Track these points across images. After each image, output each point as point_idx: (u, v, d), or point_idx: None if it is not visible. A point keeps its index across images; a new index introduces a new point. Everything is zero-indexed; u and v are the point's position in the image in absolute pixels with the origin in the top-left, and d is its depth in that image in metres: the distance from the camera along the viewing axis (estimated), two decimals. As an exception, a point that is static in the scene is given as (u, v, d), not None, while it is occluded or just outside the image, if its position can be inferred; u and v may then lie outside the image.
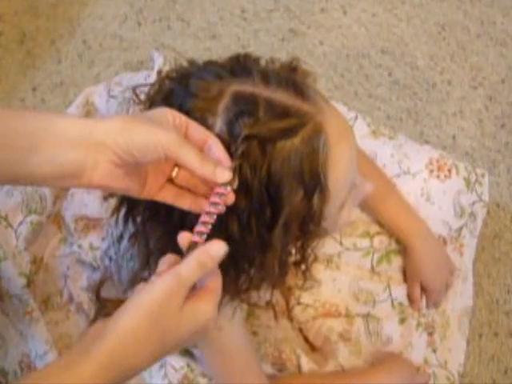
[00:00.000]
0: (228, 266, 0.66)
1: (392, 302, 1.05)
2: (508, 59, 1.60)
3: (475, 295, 1.23)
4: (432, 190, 1.07)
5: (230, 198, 0.61)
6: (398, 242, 1.07)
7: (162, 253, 0.62)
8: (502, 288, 1.35)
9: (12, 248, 0.95)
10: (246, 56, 0.70)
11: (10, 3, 1.59)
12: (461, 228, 1.10)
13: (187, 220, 0.65)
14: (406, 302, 1.06)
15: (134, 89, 0.75)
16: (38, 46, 1.56)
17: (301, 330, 1.04)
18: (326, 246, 1.04)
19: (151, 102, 0.71)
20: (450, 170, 1.08)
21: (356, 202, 0.79)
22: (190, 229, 0.61)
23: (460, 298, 1.11)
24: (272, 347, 0.99)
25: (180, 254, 0.61)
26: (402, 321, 1.04)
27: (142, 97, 0.74)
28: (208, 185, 0.62)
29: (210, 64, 0.70)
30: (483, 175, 1.12)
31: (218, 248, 0.59)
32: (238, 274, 0.71)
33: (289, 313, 1.02)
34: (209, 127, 0.64)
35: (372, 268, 1.06)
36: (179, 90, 0.68)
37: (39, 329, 0.92)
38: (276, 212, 0.65)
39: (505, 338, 1.32)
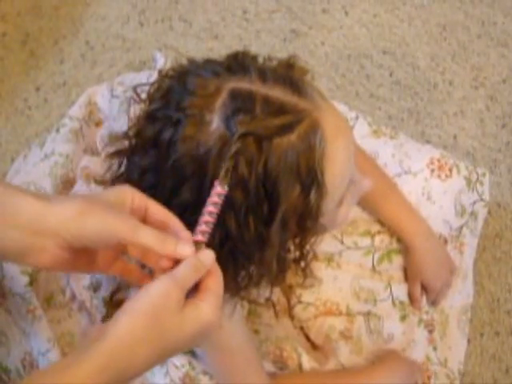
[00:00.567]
0: (227, 263, 0.66)
1: (393, 300, 1.06)
2: (509, 59, 1.60)
3: (476, 294, 1.23)
4: (433, 189, 1.08)
5: None
6: (399, 240, 1.07)
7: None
8: (503, 287, 1.36)
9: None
10: (244, 53, 0.70)
11: (12, 4, 1.60)
12: (461, 227, 1.10)
13: (185, 219, 0.66)
14: (406, 300, 1.07)
15: (134, 88, 0.76)
16: (41, 46, 1.56)
17: (302, 329, 1.04)
18: (327, 245, 1.04)
19: (150, 101, 0.71)
20: (450, 170, 1.08)
21: (355, 198, 0.80)
22: (189, 229, 0.62)
23: (459, 296, 1.11)
24: (273, 345, 0.99)
25: None
26: (403, 318, 1.04)
27: (143, 96, 0.74)
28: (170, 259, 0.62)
29: (207, 62, 0.70)
30: (484, 174, 1.12)
31: (208, 254, 0.61)
32: (236, 271, 0.71)
33: (290, 311, 1.02)
34: (206, 124, 0.64)
35: (373, 267, 1.07)
36: (177, 88, 0.68)
37: (41, 326, 0.92)
38: (273, 208, 0.66)
39: (506, 337, 1.32)
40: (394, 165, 1.09)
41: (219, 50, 1.57)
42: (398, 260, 1.08)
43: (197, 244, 0.62)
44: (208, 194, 0.63)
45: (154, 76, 1.04)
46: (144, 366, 0.58)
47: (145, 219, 0.63)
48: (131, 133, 0.73)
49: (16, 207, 0.59)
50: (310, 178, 0.66)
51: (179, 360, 0.92)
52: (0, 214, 0.59)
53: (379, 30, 1.62)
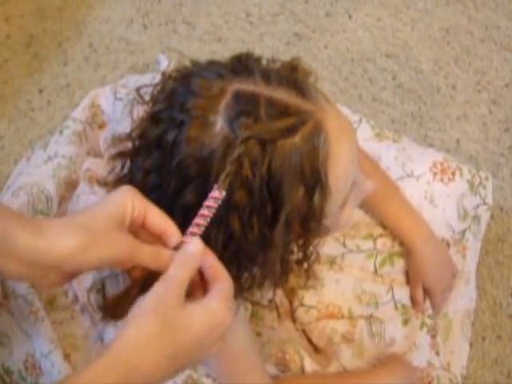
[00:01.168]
0: (230, 264, 0.66)
1: (395, 303, 1.05)
2: (512, 63, 1.60)
3: (479, 298, 1.23)
4: (436, 192, 1.07)
5: None
6: (401, 244, 1.07)
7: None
8: (506, 291, 1.35)
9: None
10: (248, 55, 0.71)
11: (17, 6, 1.60)
12: (464, 231, 1.10)
13: (188, 220, 0.66)
14: (409, 303, 1.06)
15: (137, 89, 0.76)
16: (45, 48, 1.56)
17: (304, 332, 1.04)
18: (330, 248, 1.04)
19: (154, 102, 0.72)
20: (453, 173, 1.08)
21: (358, 200, 0.80)
22: None
23: (462, 300, 1.11)
24: (276, 348, 0.99)
25: None
26: (406, 322, 1.04)
27: (147, 98, 0.74)
28: None
29: (211, 63, 0.71)
30: (487, 178, 1.12)
31: (194, 244, 0.62)
32: (240, 272, 0.72)
33: (292, 314, 1.02)
34: (210, 125, 0.65)
35: (375, 270, 1.06)
36: (181, 89, 0.68)
37: (44, 328, 0.92)
38: (277, 209, 0.66)
39: (508, 341, 1.31)
40: (396, 168, 1.09)
41: (222, 53, 1.56)
42: (400, 263, 1.07)
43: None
44: None
45: (158, 78, 1.05)
46: (154, 369, 0.58)
47: (144, 225, 0.64)
48: (134, 134, 0.74)
49: (12, 242, 0.60)
50: (314, 179, 0.67)
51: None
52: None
53: (382, 34, 1.62)
